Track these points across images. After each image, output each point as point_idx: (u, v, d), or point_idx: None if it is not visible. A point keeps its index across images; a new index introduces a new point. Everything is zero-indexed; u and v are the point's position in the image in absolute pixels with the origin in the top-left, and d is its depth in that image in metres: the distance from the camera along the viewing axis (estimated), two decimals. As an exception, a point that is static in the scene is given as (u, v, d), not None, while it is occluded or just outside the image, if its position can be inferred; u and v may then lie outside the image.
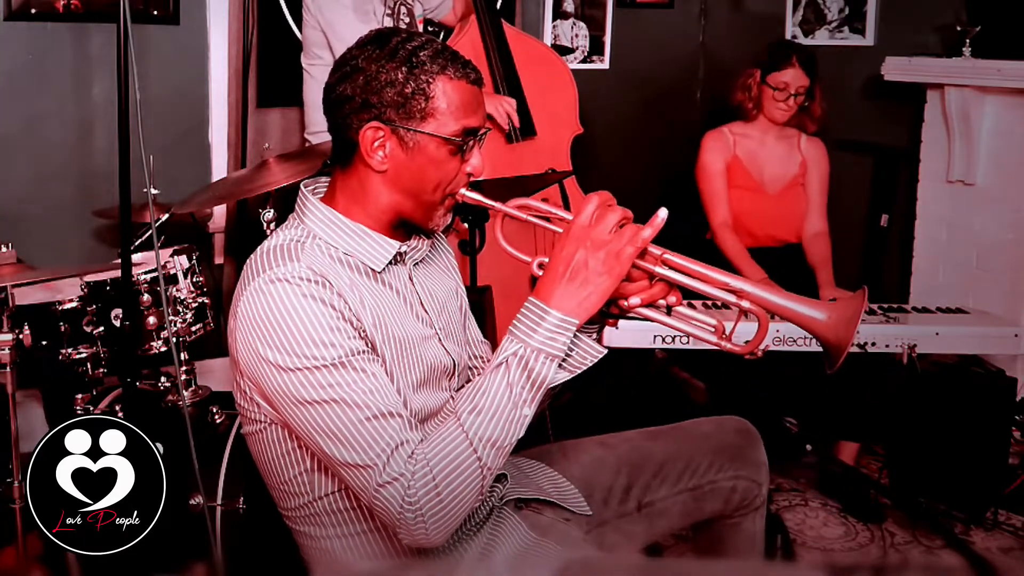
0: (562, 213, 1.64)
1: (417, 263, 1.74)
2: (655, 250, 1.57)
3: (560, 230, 1.61)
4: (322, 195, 1.69)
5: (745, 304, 1.57)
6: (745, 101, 3.49)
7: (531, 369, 1.52)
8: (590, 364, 1.62)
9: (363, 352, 1.54)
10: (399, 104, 1.57)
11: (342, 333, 1.52)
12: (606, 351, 1.62)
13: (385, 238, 1.65)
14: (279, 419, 1.60)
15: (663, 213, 1.56)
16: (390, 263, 1.67)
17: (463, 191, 1.64)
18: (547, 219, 1.67)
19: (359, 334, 1.55)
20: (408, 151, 1.60)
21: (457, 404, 1.55)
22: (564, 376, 1.60)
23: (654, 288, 1.58)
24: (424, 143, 1.59)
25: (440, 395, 1.72)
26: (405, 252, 1.69)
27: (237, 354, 1.60)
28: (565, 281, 1.54)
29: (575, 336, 1.57)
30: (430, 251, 1.79)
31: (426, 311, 1.72)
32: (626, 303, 1.58)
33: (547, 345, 1.53)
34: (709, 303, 3.15)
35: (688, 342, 2.93)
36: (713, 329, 1.63)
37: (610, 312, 1.63)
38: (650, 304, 1.59)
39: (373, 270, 1.64)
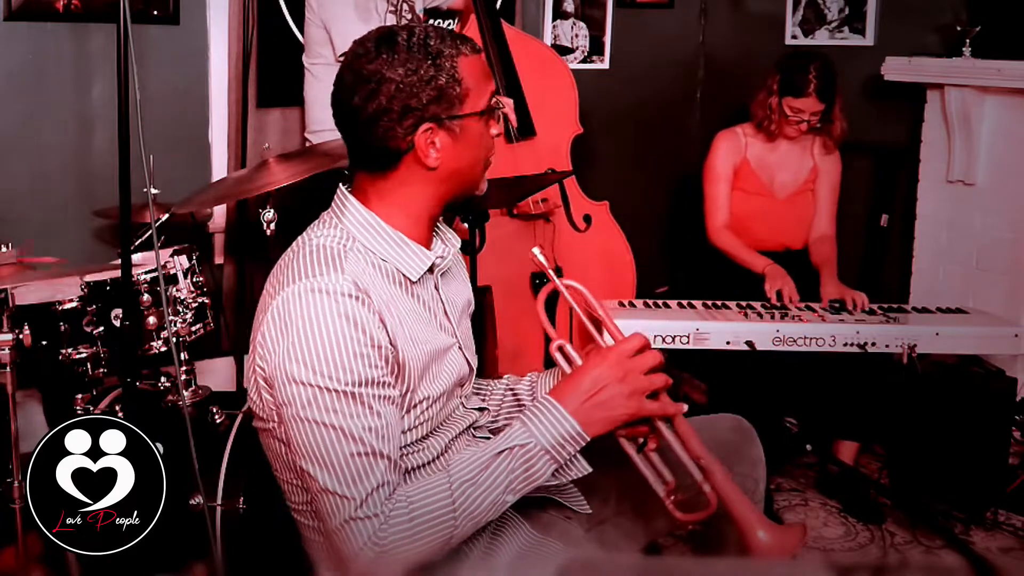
0: (614, 329, 1.70)
1: (443, 273, 1.76)
2: (670, 405, 1.65)
3: (597, 335, 1.70)
4: (356, 198, 1.69)
5: (707, 488, 1.63)
6: (765, 120, 3.45)
7: (531, 466, 1.57)
8: (573, 477, 1.65)
9: (378, 384, 1.54)
10: (436, 98, 1.59)
11: (364, 360, 1.52)
12: (591, 470, 1.65)
13: (422, 248, 1.67)
14: (282, 424, 1.61)
15: (684, 407, 1.65)
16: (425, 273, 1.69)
17: (534, 250, 1.72)
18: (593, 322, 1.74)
19: (384, 362, 1.55)
20: (456, 138, 1.62)
21: (452, 469, 1.57)
22: (551, 482, 1.64)
23: (642, 427, 1.66)
24: (468, 125, 1.62)
25: (453, 403, 1.75)
26: (437, 263, 1.71)
27: (261, 348, 1.59)
28: (590, 398, 1.59)
29: None
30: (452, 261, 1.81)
31: (449, 320, 1.74)
32: None
33: (555, 449, 1.58)
34: (709, 304, 3.15)
35: (688, 342, 2.93)
36: (666, 484, 1.68)
37: None
38: (630, 436, 1.67)
39: (408, 280, 1.65)
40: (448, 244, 1.76)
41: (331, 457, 1.51)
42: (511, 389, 1.93)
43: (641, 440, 1.67)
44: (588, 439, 1.60)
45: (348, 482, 1.50)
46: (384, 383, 1.55)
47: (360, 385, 1.52)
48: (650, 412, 1.62)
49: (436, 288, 1.74)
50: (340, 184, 1.71)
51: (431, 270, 1.71)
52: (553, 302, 1.79)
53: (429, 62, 1.57)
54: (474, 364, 1.80)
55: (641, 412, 1.61)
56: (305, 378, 1.51)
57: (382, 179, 1.65)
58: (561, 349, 1.71)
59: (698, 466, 1.64)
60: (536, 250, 1.73)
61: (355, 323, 1.52)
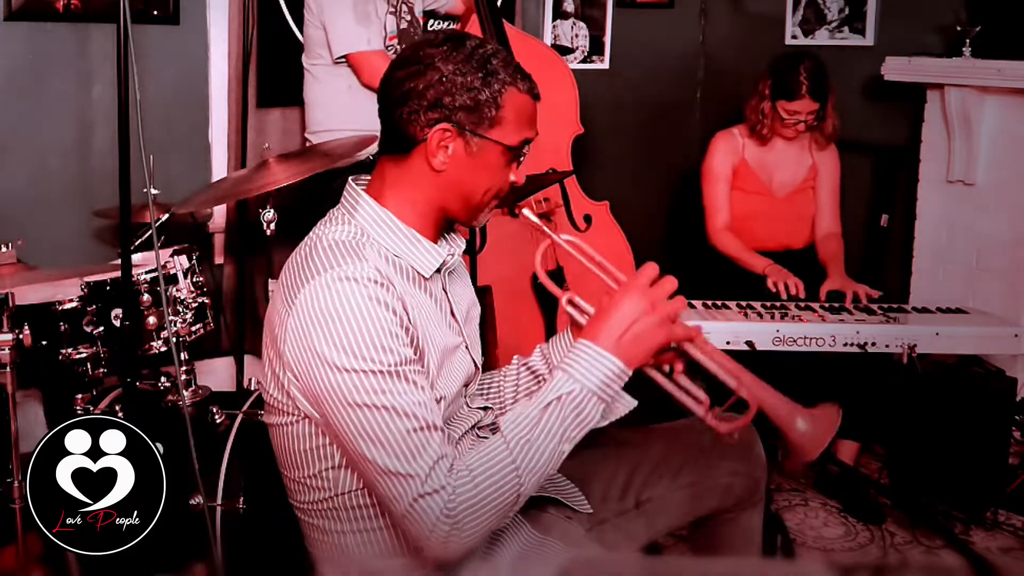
0: (616, 272, 1.71)
1: (450, 272, 1.77)
2: (692, 327, 1.66)
3: (604, 276, 1.70)
4: (365, 186, 1.70)
5: (743, 393, 1.64)
6: (758, 125, 3.46)
7: (582, 410, 1.58)
8: (622, 414, 1.66)
9: (414, 362, 1.56)
10: (471, 109, 1.60)
11: (399, 340, 1.54)
12: (636, 403, 1.67)
13: (433, 245, 1.68)
14: (313, 415, 1.61)
15: (702, 326, 1.70)
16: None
17: (525, 211, 1.72)
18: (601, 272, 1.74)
19: (412, 342, 1.57)
20: (471, 155, 1.63)
21: (507, 431, 1.57)
22: (601, 423, 1.64)
23: (667, 352, 1.66)
24: (488, 150, 1.63)
25: (459, 401, 1.76)
26: (448, 260, 1.72)
27: (284, 344, 1.59)
28: (624, 333, 1.59)
29: None
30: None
31: (456, 320, 1.75)
32: None
33: (602, 390, 1.59)
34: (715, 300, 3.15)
35: (688, 342, 2.93)
36: (701, 402, 1.69)
37: None
38: (655, 365, 1.68)
39: (421, 276, 1.66)
40: (454, 244, 1.77)
41: (388, 437, 1.51)
42: (524, 364, 1.93)
43: (668, 367, 1.68)
44: (630, 374, 1.61)
45: (409, 459, 1.50)
46: (415, 360, 1.57)
47: (401, 364, 1.53)
48: (679, 337, 1.63)
49: (444, 288, 1.75)
50: (349, 179, 1.71)
51: (440, 269, 1.72)
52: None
53: (481, 74, 1.60)
54: (479, 364, 1.82)
55: (671, 338, 1.62)
56: (348, 364, 1.52)
57: (397, 166, 1.66)
58: (572, 302, 1.72)
59: (729, 376, 1.64)
60: (527, 211, 1.73)
61: (385, 305, 1.54)
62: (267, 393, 1.69)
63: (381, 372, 1.52)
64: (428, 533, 1.51)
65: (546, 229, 1.73)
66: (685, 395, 1.68)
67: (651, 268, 1.64)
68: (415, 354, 1.58)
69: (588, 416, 1.59)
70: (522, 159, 1.70)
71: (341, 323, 1.52)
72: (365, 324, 1.52)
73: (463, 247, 1.80)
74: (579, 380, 1.58)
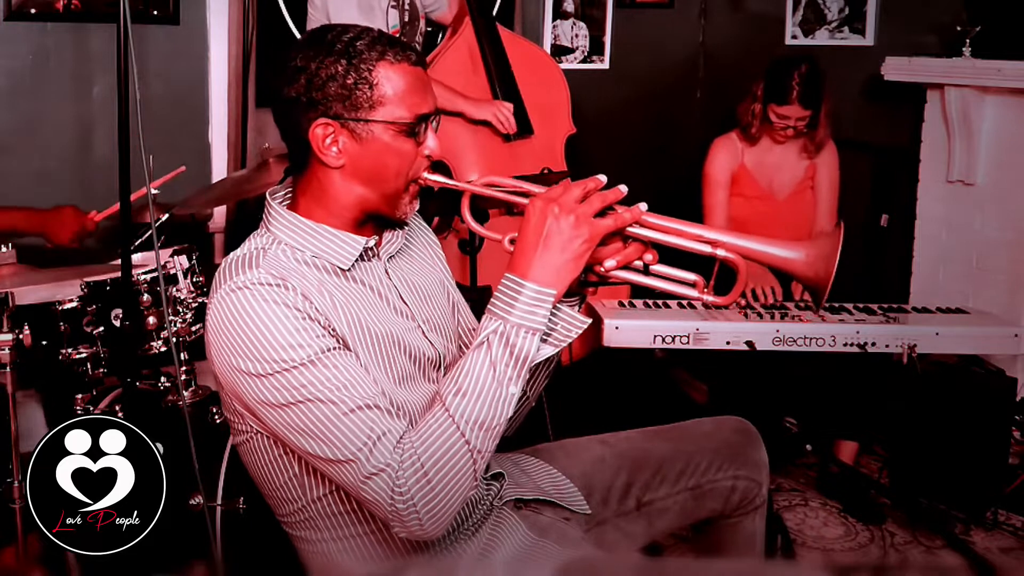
0: (531, 187, 1.62)
1: (392, 256, 1.72)
2: (624, 212, 1.56)
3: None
4: (288, 203, 1.68)
5: (721, 253, 1.57)
6: (751, 127, 3.45)
7: (513, 345, 1.50)
8: (575, 336, 1.58)
9: (333, 349, 1.52)
10: (344, 97, 1.56)
11: (308, 333, 1.51)
12: (590, 321, 1.60)
13: (350, 235, 1.63)
14: (264, 427, 1.60)
15: (623, 188, 1.58)
16: (361, 260, 1.65)
17: (426, 175, 1.63)
18: (518, 195, 1.65)
19: (328, 332, 1.53)
20: (362, 142, 1.58)
21: (441, 388, 1.53)
22: (549, 351, 1.56)
23: (628, 248, 1.59)
24: (377, 132, 1.57)
25: (429, 387, 1.70)
26: (373, 247, 1.67)
27: (213, 367, 1.59)
28: (539, 251, 1.51)
29: (555, 308, 1.55)
30: (408, 244, 1.77)
31: (406, 304, 1.70)
32: (602, 268, 1.58)
33: (527, 319, 1.50)
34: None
35: (688, 342, 2.93)
36: (693, 284, 1.62)
37: (588, 280, 1.63)
38: (626, 266, 1.59)
39: (342, 269, 1.62)
40: (391, 233, 1.72)
41: (321, 428, 1.49)
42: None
43: (638, 263, 1.60)
44: (554, 292, 1.51)
45: (346, 444, 1.48)
46: (336, 347, 1.53)
47: (316, 354, 1.50)
48: (607, 228, 1.54)
49: (387, 273, 1.70)
50: (267, 194, 1.69)
51: (376, 256, 1.68)
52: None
53: (344, 60, 1.55)
54: (445, 348, 1.74)
55: (597, 233, 1.52)
56: (261, 370, 1.50)
57: (303, 178, 1.64)
58: (512, 241, 1.61)
59: (698, 241, 1.57)
60: (425, 173, 1.63)
61: (281, 303, 1.51)
62: (227, 417, 1.69)
63: (295, 368, 1.49)
64: (388, 515, 1.48)
65: (450, 182, 1.64)
66: (672, 283, 1.61)
67: (561, 184, 1.55)
68: (337, 343, 1.54)
69: (523, 350, 1.49)
70: (424, 130, 1.60)
71: (243, 332, 1.51)
72: (265, 327, 1.50)
73: (405, 227, 1.73)
74: (501, 316, 1.50)
